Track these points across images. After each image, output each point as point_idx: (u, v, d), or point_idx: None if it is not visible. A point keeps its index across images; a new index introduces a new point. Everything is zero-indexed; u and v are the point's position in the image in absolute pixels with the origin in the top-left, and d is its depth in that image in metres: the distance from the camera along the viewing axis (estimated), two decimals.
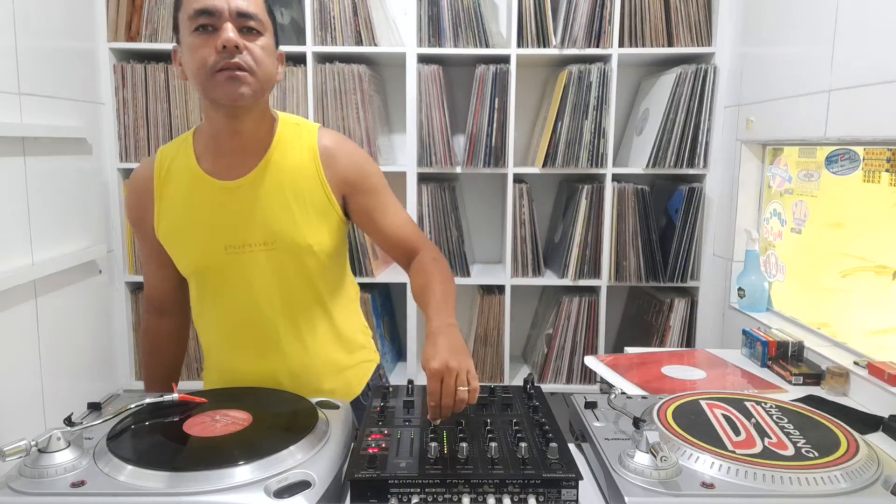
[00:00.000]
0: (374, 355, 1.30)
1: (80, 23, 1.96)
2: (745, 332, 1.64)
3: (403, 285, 2.18)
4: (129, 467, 0.79)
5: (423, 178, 2.15)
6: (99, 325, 2.07)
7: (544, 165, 2.09)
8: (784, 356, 1.54)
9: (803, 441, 0.87)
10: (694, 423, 0.91)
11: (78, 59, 1.95)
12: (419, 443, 0.87)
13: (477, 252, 2.45)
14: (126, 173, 2.14)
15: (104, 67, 2.06)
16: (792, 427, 0.91)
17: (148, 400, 0.97)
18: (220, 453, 0.83)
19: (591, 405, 1.00)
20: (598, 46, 2.05)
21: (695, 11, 2.04)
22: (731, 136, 1.99)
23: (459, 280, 2.14)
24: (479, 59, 2.11)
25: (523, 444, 0.82)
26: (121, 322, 2.17)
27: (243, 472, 0.79)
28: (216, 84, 0.99)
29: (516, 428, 0.90)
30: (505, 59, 2.06)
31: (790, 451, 0.84)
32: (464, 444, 0.82)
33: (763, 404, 0.99)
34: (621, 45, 2.05)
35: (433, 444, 0.83)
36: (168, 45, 2.05)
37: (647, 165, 2.07)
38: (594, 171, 2.11)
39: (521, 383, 1.08)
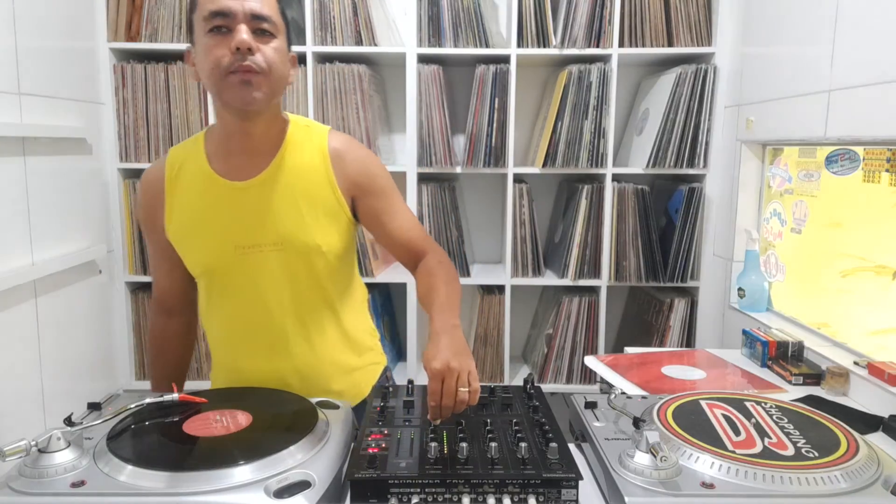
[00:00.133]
0: (381, 357, 1.31)
1: (80, 23, 1.96)
2: (745, 332, 1.64)
3: (403, 285, 2.19)
4: (129, 467, 0.79)
5: (423, 178, 2.15)
6: (99, 325, 2.07)
7: (544, 165, 2.09)
8: (784, 356, 1.54)
9: (803, 441, 0.87)
10: (694, 423, 0.91)
11: (78, 59, 1.95)
12: (419, 443, 0.87)
13: (477, 252, 2.45)
14: (126, 173, 2.15)
15: (104, 67, 2.06)
16: (792, 427, 0.91)
17: (148, 400, 0.97)
18: (220, 453, 0.83)
19: (591, 405, 1.00)
20: (598, 46, 2.05)
21: (695, 11, 2.04)
22: (731, 136, 1.99)
23: (460, 280, 2.14)
24: (479, 59, 2.11)
25: (523, 444, 0.82)
26: (121, 322, 2.17)
27: (243, 472, 0.79)
28: (229, 86, 1.00)
29: (516, 428, 0.90)
30: (505, 59, 2.06)
31: (790, 451, 0.83)
32: (464, 444, 0.82)
33: (763, 404, 0.99)
34: (621, 45, 2.05)
35: (433, 444, 0.83)
36: (168, 46, 2.06)
37: (647, 165, 2.07)
38: (594, 171, 2.11)
39: (521, 383, 1.08)
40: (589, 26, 2.04)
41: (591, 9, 2.03)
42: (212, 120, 2.09)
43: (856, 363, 1.40)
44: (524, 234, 2.16)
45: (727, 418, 0.94)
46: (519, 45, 2.05)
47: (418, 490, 0.78)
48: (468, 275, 2.19)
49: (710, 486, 0.77)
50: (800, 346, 1.54)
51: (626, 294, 2.44)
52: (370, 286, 2.18)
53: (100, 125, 2.06)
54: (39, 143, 1.74)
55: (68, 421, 0.88)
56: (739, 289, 1.88)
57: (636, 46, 2.06)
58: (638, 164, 2.11)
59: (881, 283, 1.45)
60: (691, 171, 2.09)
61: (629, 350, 1.69)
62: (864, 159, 1.49)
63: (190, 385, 1.03)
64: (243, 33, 0.98)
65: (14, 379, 1.64)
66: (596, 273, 2.15)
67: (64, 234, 1.86)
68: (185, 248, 1.13)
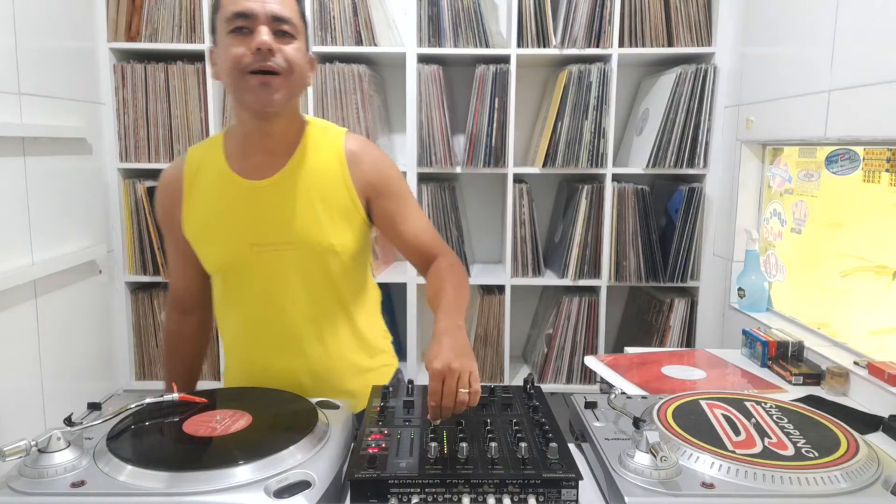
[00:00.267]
0: (393, 360, 1.32)
1: (80, 23, 1.96)
2: (745, 332, 1.64)
3: (403, 285, 2.18)
4: (129, 467, 0.79)
5: (423, 178, 2.15)
6: (99, 325, 2.07)
7: (544, 165, 2.09)
8: (784, 356, 1.54)
9: (803, 441, 0.87)
10: (694, 423, 0.91)
11: (78, 59, 1.95)
12: (419, 443, 0.87)
13: (477, 252, 2.45)
14: (126, 173, 2.15)
15: (104, 67, 2.06)
16: (792, 427, 0.91)
17: (148, 400, 0.97)
18: (220, 453, 0.84)
19: (591, 405, 1.00)
20: (598, 46, 2.05)
21: (695, 11, 2.04)
22: (731, 136, 1.99)
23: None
24: (479, 59, 2.11)
25: (523, 444, 0.82)
26: (121, 322, 2.17)
27: (243, 472, 0.79)
28: (248, 87, 1.02)
29: (516, 428, 0.90)
30: (505, 59, 2.06)
31: (790, 451, 0.83)
32: (464, 444, 0.82)
33: (763, 404, 0.99)
34: (621, 45, 2.05)
35: (433, 444, 0.83)
36: (168, 46, 2.06)
37: (647, 165, 2.07)
38: (594, 171, 2.11)
39: (521, 383, 1.08)
40: (589, 26, 2.04)
41: (591, 9, 2.03)
42: (212, 120, 2.09)
43: (856, 363, 1.40)
44: (524, 234, 2.16)
45: (727, 418, 0.94)
46: (519, 45, 2.05)
47: (418, 490, 0.78)
48: (468, 275, 2.19)
49: (710, 486, 0.77)
50: (800, 346, 1.54)
51: (626, 294, 2.44)
52: None
53: (100, 125, 2.06)
54: (39, 143, 1.74)
55: (68, 421, 0.88)
56: (739, 289, 1.88)
57: (636, 46, 2.06)
58: (638, 164, 2.11)
59: (881, 283, 1.45)
60: (691, 171, 2.09)
61: (629, 350, 1.69)
62: (864, 159, 1.50)
63: (202, 384, 1.03)
64: (264, 34, 1.00)
65: (14, 379, 1.64)
66: (596, 273, 2.15)
67: (64, 234, 1.86)
68: (202, 246, 1.15)
